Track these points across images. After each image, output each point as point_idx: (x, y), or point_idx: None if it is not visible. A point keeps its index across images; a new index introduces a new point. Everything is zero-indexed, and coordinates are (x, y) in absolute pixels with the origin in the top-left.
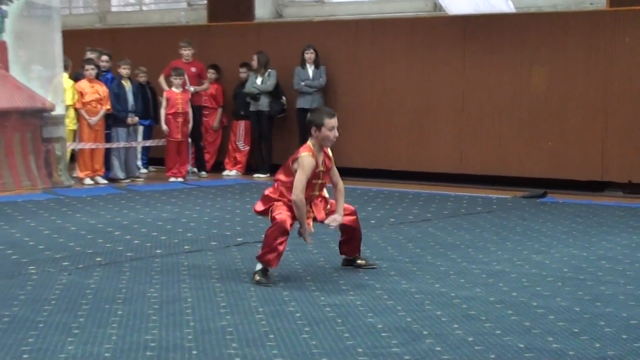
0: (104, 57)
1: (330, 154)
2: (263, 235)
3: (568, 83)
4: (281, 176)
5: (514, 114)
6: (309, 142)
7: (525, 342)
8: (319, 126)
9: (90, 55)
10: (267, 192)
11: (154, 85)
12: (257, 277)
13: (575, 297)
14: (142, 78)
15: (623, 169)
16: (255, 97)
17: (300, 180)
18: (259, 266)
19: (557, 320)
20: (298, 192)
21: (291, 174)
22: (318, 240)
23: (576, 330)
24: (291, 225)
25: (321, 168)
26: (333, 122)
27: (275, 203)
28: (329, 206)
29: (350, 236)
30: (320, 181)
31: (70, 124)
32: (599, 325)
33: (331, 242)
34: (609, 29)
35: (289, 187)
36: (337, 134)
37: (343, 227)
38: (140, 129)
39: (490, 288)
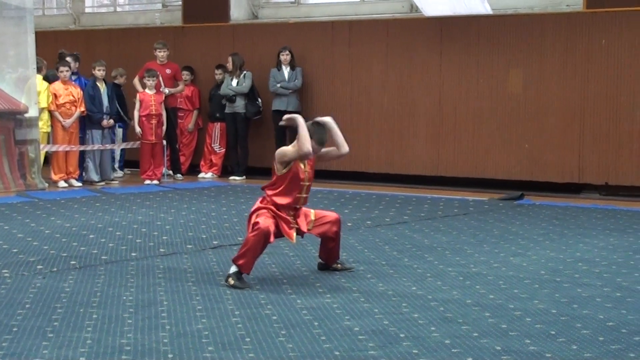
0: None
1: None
2: (241, 239)
3: (545, 85)
4: (268, 184)
5: (491, 115)
6: (291, 146)
7: (502, 345)
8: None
9: (68, 58)
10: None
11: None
12: (232, 281)
13: (552, 299)
14: (120, 79)
15: (600, 171)
16: (231, 99)
17: (290, 148)
18: (233, 269)
19: (534, 322)
20: (303, 146)
21: (274, 174)
22: (295, 243)
23: (553, 333)
24: (273, 234)
25: (306, 169)
26: (316, 148)
27: (260, 210)
28: (312, 218)
29: (331, 247)
30: (306, 183)
31: (44, 126)
32: (576, 328)
33: (308, 245)
34: (585, 31)
35: (277, 188)
36: (312, 157)
37: (326, 237)
38: (120, 131)
39: (467, 290)
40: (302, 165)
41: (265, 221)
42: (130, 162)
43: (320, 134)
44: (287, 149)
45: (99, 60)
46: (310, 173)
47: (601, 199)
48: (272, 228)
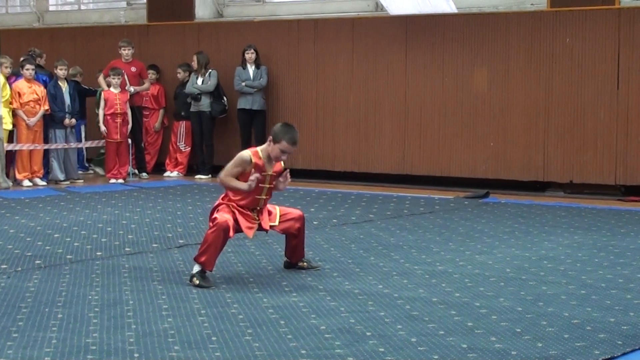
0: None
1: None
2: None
3: (509, 83)
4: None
5: (456, 114)
6: (259, 148)
7: (468, 342)
8: (277, 141)
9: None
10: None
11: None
12: (196, 281)
13: (517, 297)
14: (78, 78)
15: (564, 169)
16: (196, 98)
17: (227, 167)
18: (196, 268)
19: (499, 320)
20: (222, 175)
21: None
22: (260, 241)
23: (519, 330)
24: (233, 229)
25: (269, 172)
26: (289, 148)
27: (220, 205)
28: (277, 214)
29: (295, 244)
30: (267, 185)
31: (5, 124)
32: (541, 325)
33: (274, 244)
34: (549, 30)
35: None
36: (284, 159)
37: (289, 234)
38: (82, 128)
39: (433, 289)
40: (266, 167)
41: (222, 216)
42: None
43: (291, 133)
44: (240, 159)
45: (60, 59)
46: (272, 177)
47: (566, 197)
48: (230, 222)
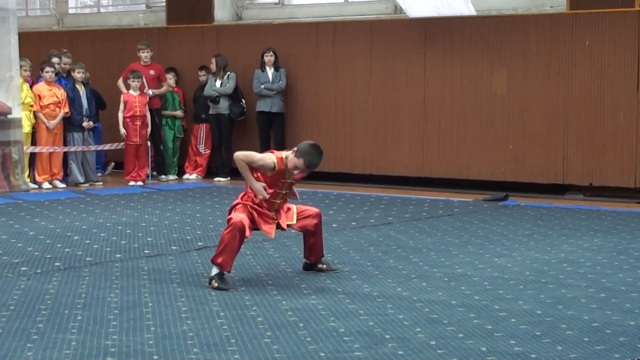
0: (65, 60)
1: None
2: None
3: (529, 86)
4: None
5: (475, 116)
6: (285, 154)
7: (487, 346)
8: (298, 157)
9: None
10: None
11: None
12: (215, 284)
13: (537, 300)
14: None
15: (584, 172)
16: (215, 100)
17: (251, 154)
18: (214, 270)
19: (519, 323)
20: (242, 156)
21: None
22: (279, 244)
23: (538, 334)
24: (249, 228)
25: (288, 180)
26: (303, 169)
27: (237, 205)
28: (294, 212)
29: (313, 242)
30: (284, 191)
31: (25, 126)
32: (561, 328)
33: (293, 246)
34: (569, 32)
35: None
36: (296, 174)
37: (306, 231)
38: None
39: (452, 291)
40: (285, 175)
41: (237, 216)
42: (115, 163)
43: (312, 157)
44: (263, 162)
45: (78, 62)
46: (290, 184)
47: (585, 200)
48: (246, 222)
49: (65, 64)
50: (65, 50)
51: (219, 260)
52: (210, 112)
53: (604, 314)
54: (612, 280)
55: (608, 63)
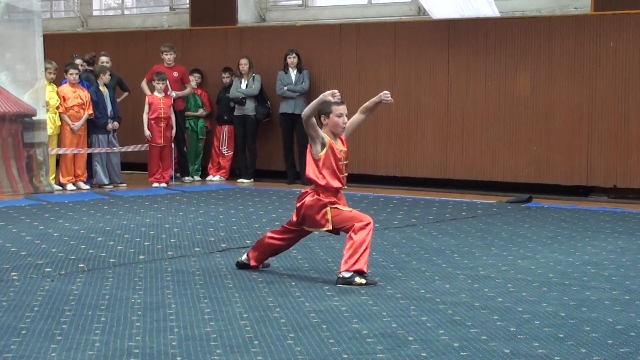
0: (103, 58)
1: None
2: (250, 242)
3: (553, 88)
4: (311, 174)
5: (498, 118)
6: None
7: (511, 348)
8: (327, 114)
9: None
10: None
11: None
12: (361, 280)
13: (560, 302)
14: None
15: (608, 173)
16: (241, 102)
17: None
18: (347, 274)
19: (542, 325)
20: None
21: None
22: (302, 246)
23: (562, 336)
24: None
25: (342, 148)
26: (341, 109)
27: (334, 209)
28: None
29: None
30: (344, 162)
31: (50, 128)
32: (585, 331)
33: (316, 248)
34: (593, 34)
35: (322, 171)
36: (346, 121)
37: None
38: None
39: (475, 293)
40: (336, 146)
41: (364, 216)
42: (138, 164)
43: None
44: (320, 137)
45: (101, 64)
46: (345, 152)
47: (609, 202)
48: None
49: (104, 62)
50: (103, 52)
51: (361, 265)
52: (236, 113)
53: (628, 317)
54: (636, 282)
55: (633, 64)
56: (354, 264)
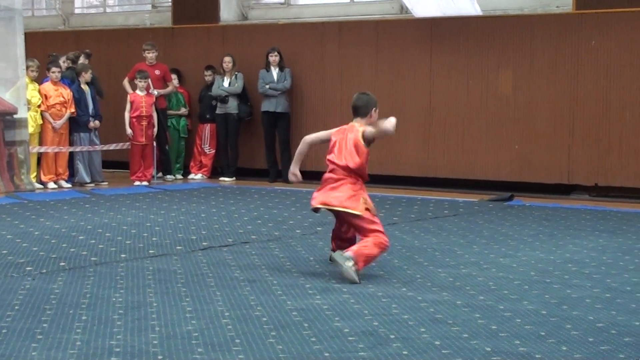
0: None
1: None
2: (231, 240)
3: (535, 86)
4: (351, 163)
5: (481, 116)
6: (356, 123)
7: (492, 346)
8: (376, 108)
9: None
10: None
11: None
12: (354, 273)
13: (542, 300)
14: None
15: (589, 172)
16: (224, 100)
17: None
18: (350, 262)
19: (524, 323)
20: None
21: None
22: (284, 244)
23: (543, 334)
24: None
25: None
26: (354, 114)
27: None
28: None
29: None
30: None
31: (31, 126)
32: (566, 329)
33: (297, 246)
34: (575, 32)
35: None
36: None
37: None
38: None
39: (457, 291)
40: None
41: (382, 237)
42: (119, 163)
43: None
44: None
45: (83, 62)
46: None
47: (591, 200)
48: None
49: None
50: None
51: (361, 267)
52: (218, 111)
53: (609, 314)
54: (617, 280)
55: (614, 63)
56: (363, 261)
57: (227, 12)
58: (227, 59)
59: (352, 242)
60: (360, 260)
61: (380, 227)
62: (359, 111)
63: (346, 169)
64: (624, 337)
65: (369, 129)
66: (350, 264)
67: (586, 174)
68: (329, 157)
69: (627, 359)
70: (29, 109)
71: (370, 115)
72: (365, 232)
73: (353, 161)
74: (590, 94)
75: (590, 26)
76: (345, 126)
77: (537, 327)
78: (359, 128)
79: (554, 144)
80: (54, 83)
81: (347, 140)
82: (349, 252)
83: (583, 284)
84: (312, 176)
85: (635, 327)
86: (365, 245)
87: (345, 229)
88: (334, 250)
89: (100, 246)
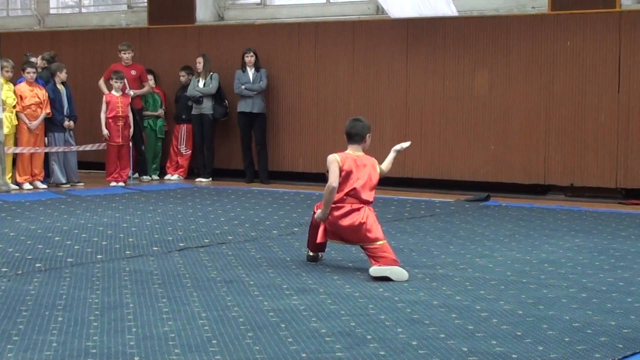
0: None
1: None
2: (207, 240)
3: (510, 87)
4: (370, 199)
5: (457, 117)
6: (360, 153)
7: (468, 346)
8: (370, 134)
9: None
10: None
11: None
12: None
13: (518, 300)
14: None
15: (565, 172)
16: (198, 101)
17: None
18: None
19: (500, 323)
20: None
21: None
22: (261, 245)
23: (519, 334)
24: None
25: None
26: (349, 140)
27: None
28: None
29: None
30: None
31: (6, 127)
32: (542, 328)
33: (274, 247)
34: (550, 33)
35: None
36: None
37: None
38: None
39: (433, 292)
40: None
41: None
42: (95, 164)
43: (347, 126)
44: (331, 168)
45: (58, 63)
46: None
47: (567, 200)
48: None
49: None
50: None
51: (388, 260)
52: (193, 112)
53: (585, 314)
54: (593, 280)
55: (589, 64)
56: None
57: (203, 13)
58: (199, 59)
59: (322, 247)
60: (386, 263)
61: (391, 255)
62: (354, 138)
63: (367, 203)
64: (600, 337)
65: (385, 171)
66: (390, 270)
67: (562, 175)
68: (349, 184)
69: (602, 358)
70: (4, 109)
71: (364, 141)
72: (381, 259)
73: (371, 198)
74: (565, 95)
75: (565, 27)
76: (352, 154)
77: (513, 327)
78: (377, 168)
79: (529, 144)
80: (29, 84)
81: (371, 178)
82: (377, 266)
83: (559, 284)
84: (291, 177)
85: (611, 326)
86: (383, 255)
87: (320, 236)
88: (312, 251)
89: (76, 247)
